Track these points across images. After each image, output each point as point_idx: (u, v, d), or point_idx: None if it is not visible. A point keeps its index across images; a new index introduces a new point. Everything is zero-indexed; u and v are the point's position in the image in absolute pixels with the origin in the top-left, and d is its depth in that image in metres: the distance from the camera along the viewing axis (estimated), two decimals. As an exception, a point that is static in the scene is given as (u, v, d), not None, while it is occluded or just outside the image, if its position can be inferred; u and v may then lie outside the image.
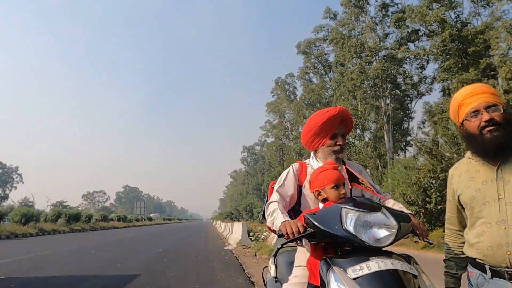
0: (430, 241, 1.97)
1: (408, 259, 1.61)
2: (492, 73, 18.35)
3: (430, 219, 15.35)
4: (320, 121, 2.15)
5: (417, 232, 1.81)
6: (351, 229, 1.57)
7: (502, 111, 1.70)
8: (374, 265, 1.47)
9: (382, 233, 1.59)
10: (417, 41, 25.30)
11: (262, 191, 61.30)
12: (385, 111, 26.42)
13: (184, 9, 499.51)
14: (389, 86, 26.29)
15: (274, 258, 2.41)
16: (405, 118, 28.28)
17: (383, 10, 27.60)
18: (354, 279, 1.45)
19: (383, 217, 1.61)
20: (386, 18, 27.68)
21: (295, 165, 2.24)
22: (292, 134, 46.79)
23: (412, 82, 27.18)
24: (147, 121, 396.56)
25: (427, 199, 15.08)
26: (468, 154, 1.87)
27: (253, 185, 69.71)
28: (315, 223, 1.63)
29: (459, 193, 1.81)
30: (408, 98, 28.14)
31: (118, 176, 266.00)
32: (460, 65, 19.23)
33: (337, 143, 2.15)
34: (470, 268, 1.79)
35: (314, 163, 2.21)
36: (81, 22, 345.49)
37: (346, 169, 2.02)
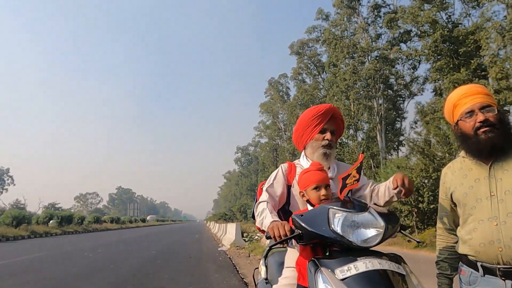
0: (418, 240, 1.98)
1: (396, 258, 1.62)
2: (483, 73, 18.52)
3: (423, 218, 15.48)
4: (310, 115, 2.18)
5: (401, 192, 1.83)
6: (338, 229, 1.57)
7: (496, 112, 1.73)
8: (362, 265, 1.48)
9: (370, 233, 1.59)
10: (409, 42, 25.47)
11: (256, 191, 61.15)
12: (378, 111, 26.57)
13: (177, 9, 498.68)
14: (381, 86, 26.43)
15: (265, 259, 2.41)
16: (397, 118, 28.45)
17: (375, 11, 27.73)
18: (342, 279, 1.45)
19: (371, 217, 1.62)
20: (378, 18, 27.80)
21: (284, 165, 2.25)
22: (285, 134, 46.86)
23: (404, 83, 27.37)
24: (140, 122, 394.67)
25: (419, 198, 15.19)
26: (462, 153, 1.88)
27: (247, 186, 69.60)
28: (303, 225, 1.63)
29: (452, 190, 1.83)
30: (401, 98, 28.33)
31: (111, 177, 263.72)
32: (451, 66, 19.37)
33: (325, 138, 2.15)
34: (462, 267, 1.80)
35: (303, 162, 2.22)
36: (71, 19, 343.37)
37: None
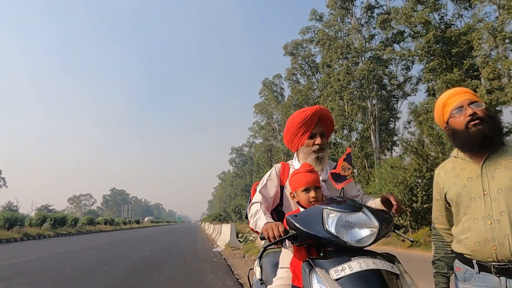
0: (412, 239, 2.00)
1: (390, 258, 1.63)
2: (475, 73, 18.68)
3: (417, 217, 15.55)
4: (297, 121, 2.15)
5: (393, 212, 1.84)
6: (332, 229, 1.57)
7: (484, 107, 1.77)
8: (356, 265, 1.48)
9: (364, 233, 1.59)
10: (402, 42, 25.61)
11: (250, 192, 61.11)
12: (372, 112, 26.68)
13: (170, 10, 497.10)
14: (375, 86, 26.55)
15: (260, 260, 2.41)
16: (391, 119, 28.61)
17: (369, 11, 27.86)
18: (337, 280, 1.46)
19: (365, 217, 1.62)
20: (371, 19, 27.96)
21: (277, 166, 2.25)
22: (280, 135, 46.89)
23: (398, 83, 27.54)
24: (134, 123, 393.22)
25: (413, 198, 15.28)
26: (454, 153, 1.91)
27: (242, 186, 69.56)
28: (297, 225, 1.63)
29: (446, 190, 1.85)
30: (394, 99, 28.48)
31: (105, 179, 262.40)
32: (444, 66, 19.51)
33: (315, 143, 2.13)
34: (457, 263, 1.82)
35: (296, 163, 2.22)
36: (64, 21, 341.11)
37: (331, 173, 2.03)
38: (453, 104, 1.82)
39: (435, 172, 1.99)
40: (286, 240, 1.69)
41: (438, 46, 19.69)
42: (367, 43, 27.82)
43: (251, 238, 14.85)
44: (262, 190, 2.12)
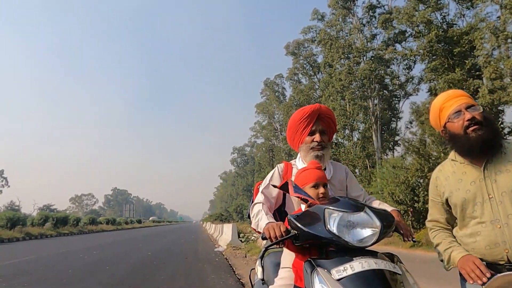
0: (414, 239, 1.98)
1: (392, 258, 1.62)
2: (477, 73, 18.64)
3: (419, 217, 15.51)
4: (297, 118, 2.17)
5: (401, 231, 1.82)
6: (334, 229, 1.57)
7: (481, 110, 1.77)
8: (358, 265, 1.48)
9: (366, 232, 1.59)
10: (404, 42, 25.57)
11: (252, 192, 61.04)
12: (373, 112, 26.63)
13: (170, 10, 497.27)
14: (377, 86, 26.50)
15: (261, 260, 2.41)
16: (393, 118, 28.56)
17: (370, 11, 27.80)
18: (338, 280, 1.45)
19: (366, 217, 1.62)
20: (373, 19, 27.90)
21: (280, 166, 2.24)
22: (281, 135, 46.85)
23: (400, 83, 27.47)
24: (134, 123, 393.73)
25: (415, 198, 15.24)
26: (451, 156, 1.90)
27: (243, 186, 69.57)
28: (298, 225, 1.62)
29: (448, 195, 1.84)
30: (396, 98, 28.43)
31: (107, 178, 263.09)
32: (446, 66, 19.48)
33: (314, 139, 2.13)
34: None
35: (299, 163, 2.21)
36: (65, 21, 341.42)
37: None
38: (450, 108, 1.80)
39: (433, 175, 1.98)
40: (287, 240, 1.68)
41: (440, 45, 19.66)
42: (368, 43, 27.76)
43: (252, 238, 14.85)
44: (264, 190, 2.12)
